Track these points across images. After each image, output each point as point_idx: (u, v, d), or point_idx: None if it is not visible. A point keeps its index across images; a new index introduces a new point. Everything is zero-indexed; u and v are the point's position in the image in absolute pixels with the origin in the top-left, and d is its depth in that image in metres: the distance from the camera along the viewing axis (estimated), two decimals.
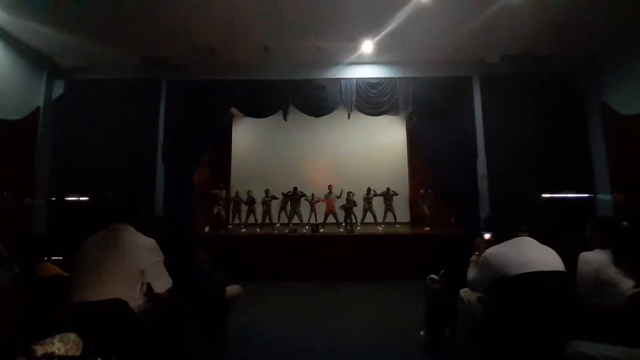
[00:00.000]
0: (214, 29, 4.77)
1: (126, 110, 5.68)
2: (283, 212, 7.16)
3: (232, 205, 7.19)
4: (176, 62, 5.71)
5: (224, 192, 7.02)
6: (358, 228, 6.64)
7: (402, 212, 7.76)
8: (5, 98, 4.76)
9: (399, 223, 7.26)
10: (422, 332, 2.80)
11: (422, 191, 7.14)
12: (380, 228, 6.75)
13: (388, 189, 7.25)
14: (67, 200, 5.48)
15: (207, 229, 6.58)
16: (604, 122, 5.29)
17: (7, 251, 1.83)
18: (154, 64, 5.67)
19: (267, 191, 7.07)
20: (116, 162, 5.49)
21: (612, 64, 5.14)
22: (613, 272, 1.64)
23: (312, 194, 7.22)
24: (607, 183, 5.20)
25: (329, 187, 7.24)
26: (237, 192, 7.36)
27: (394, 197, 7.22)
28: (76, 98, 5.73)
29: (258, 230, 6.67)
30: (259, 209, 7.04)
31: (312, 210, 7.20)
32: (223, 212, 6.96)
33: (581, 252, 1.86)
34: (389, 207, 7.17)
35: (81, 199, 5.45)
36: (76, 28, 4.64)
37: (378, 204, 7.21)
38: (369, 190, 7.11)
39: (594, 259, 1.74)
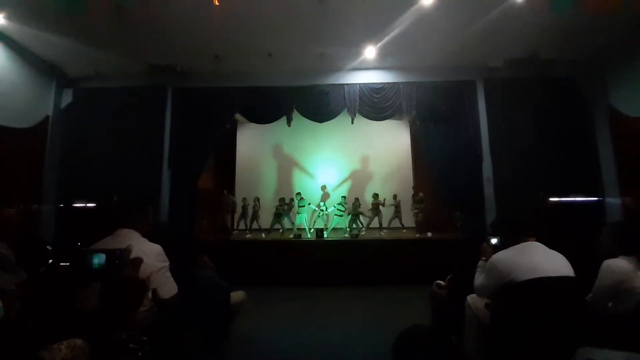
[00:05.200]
0: (218, 36, 4.84)
1: (133, 117, 5.77)
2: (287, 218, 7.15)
3: (241, 211, 7.21)
4: (181, 70, 5.80)
5: (230, 197, 7.04)
6: (362, 233, 6.60)
7: (406, 216, 7.70)
8: (16, 107, 4.87)
9: (405, 228, 7.21)
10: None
11: (419, 195, 7.07)
12: (382, 233, 6.71)
13: (395, 195, 7.23)
14: (74, 206, 5.55)
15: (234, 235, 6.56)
16: (610, 124, 5.24)
17: (14, 257, 1.85)
18: (159, 72, 5.76)
19: (282, 200, 7.02)
20: (122, 168, 5.56)
21: (616, 66, 5.10)
22: (638, 281, 1.62)
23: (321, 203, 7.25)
24: (615, 186, 5.12)
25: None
26: (244, 199, 7.38)
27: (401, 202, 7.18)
28: (84, 106, 5.85)
29: (263, 235, 6.67)
30: (267, 215, 7.04)
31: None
32: (229, 219, 6.98)
33: (590, 256, 1.83)
34: (397, 215, 7.12)
35: (88, 205, 5.52)
36: (84, 38, 4.75)
37: (385, 208, 7.16)
38: (375, 195, 7.09)
39: (620, 268, 1.71)
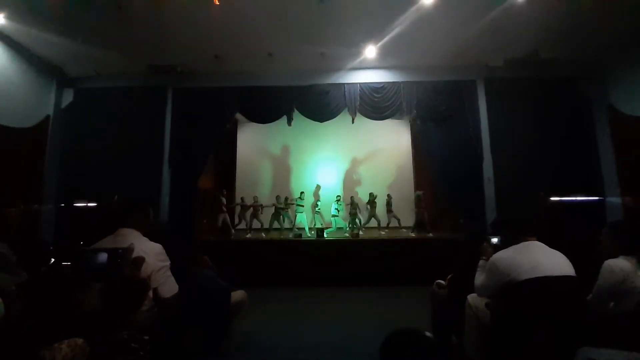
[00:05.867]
0: (218, 36, 4.84)
1: (133, 118, 5.78)
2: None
3: (239, 210, 7.22)
4: (182, 70, 5.80)
5: (224, 199, 7.01)
6: (361, 233, 6.59)
7: (406, 216, 7.70)
8: (16, 107, 4.87)
9: (404, 227, 7.21)
10: (426, 333, 2.76)
11: (418, 194, 7.07)
12: (383, 233, 6.72)
13: (389, 195, 7.22)
14: (74, 206, 5.55)
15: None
16: (611, 124, 5.23)
17: (15, 257, 1.85)
18: (160, 72, 5.76)
19: (278, 197, 7.08)
20: (123, 168, 5.56)
21: (616, 66, 5.09)
22: (639, 281, 1.62)
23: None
24: (615, 186, 5.12)
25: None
26: (242, 198, 7.40)
27: (394, 201, 7.18)
28: (85, 106, 5.85)
29: (264, 235, 6.67)
30: (266, 214, 7.06)
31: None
32: (228, 218, 6.99)
33: (591, 256, 1.83)
34: (391, 215, 7.11)
35: (89, 204, 5.52)
36: (85, 38, 4.74)
37: (382, 208, 7.18)
38: (371, 195, 7.12)
39: (620, 268, 1.71)
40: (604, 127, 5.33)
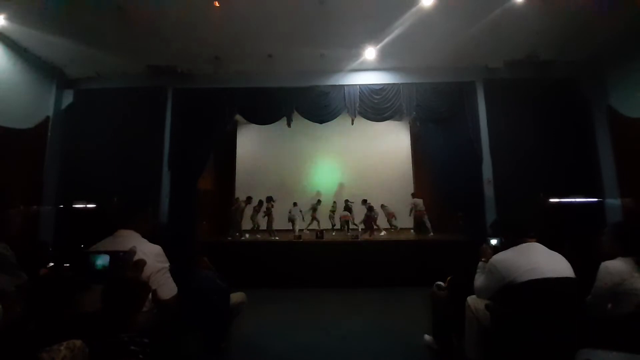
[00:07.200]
0: (218, 37, 4.86)
1: (133, 118, 5.78)
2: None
3: (260, 214, 7.23)
4: (182, 71, 5.81)
5: (243, 203, 7.07)
6: (371, 235, 6.59)
7: (406, 217, 7.70)
8: (16, 108, 4.88)
9: (402, 228, 7.21)
10: (425, 336, 2.76)
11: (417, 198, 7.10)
12: (381, 234, 6.72)
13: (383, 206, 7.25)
14: (74, 207, 5.54)
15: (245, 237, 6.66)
16: (610, 125, 5.24)
17: (14, 257, 1.85)
18: (160, 73, 5.77)
19: (269, 198, 7.11)
20: (123, 169, 5.55)
21: (615, 67, 5.10)
22: (638, 283, 1.62)
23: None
24: (615, 187, 5.12)
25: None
26: (237, 198, 7.42)
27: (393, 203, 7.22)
28: (85, 107, 5.86)
29: (247, 236, 6.69)
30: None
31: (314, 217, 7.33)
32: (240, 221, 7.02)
33: (590, 257, 1.83)
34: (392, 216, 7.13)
35: (88, 206, 5.52)
36: (85, 39, 4.76)
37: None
38: (364, 201, 7.08)
39: (617, 270, 1.70)
40: (604, 128, 5.34)
